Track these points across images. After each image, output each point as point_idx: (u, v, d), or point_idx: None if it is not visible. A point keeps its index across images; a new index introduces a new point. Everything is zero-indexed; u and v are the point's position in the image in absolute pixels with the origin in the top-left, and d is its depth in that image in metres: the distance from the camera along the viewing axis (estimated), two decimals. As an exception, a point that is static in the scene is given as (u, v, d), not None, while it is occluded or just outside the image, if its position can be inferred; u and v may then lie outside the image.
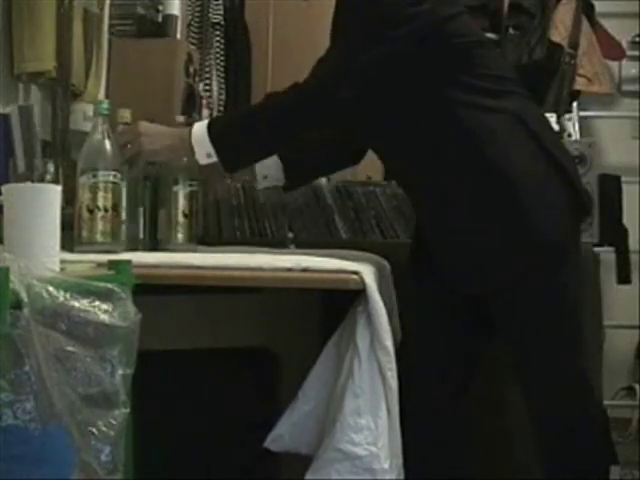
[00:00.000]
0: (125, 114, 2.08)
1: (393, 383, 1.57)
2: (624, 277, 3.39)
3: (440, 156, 1.81)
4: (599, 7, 3.91)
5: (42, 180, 2.20)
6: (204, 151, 1.83)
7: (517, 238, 1.78)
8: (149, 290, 1.47)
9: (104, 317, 1.29)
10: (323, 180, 2.80)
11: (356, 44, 1.78)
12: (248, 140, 1.85)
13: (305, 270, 1.62)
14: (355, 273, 1.59)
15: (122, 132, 1.96)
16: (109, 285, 1.33)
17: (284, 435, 1.67)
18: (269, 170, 2.08)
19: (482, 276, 1.82)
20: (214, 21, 3.95)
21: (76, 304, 1.25)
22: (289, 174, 2.10)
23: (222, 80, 3.94)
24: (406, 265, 2.02)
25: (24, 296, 1.16)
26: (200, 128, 1.85)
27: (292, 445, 1.68)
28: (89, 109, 2.59)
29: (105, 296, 1.31)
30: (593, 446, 1.90)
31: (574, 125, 3.83)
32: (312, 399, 1.66)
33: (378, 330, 1.56)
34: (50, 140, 2.59)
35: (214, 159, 1.84)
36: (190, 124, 1.95)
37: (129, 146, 1.93)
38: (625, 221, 3.40)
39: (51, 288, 1.21)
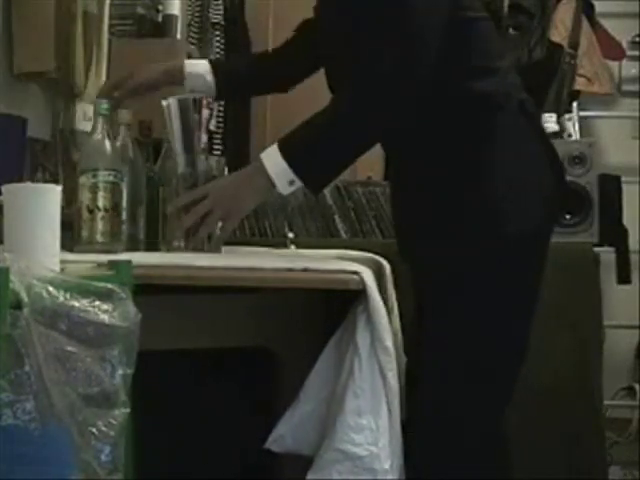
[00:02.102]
0: (125, 114, 2.08)
1: (394, 383, 1.57)
2: (624, 277, 3.39)
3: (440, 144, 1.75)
4: (599, 7, 3.92)
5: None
6: (286, 180, 1.69)
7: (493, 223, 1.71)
8: (149, 290, 1.47)
9: (104, 317, 1.29)
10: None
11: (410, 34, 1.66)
12: (330, 157, 1.73)
13: (305, 270, 1.62)
14: (355, 273, 1.58)
15: (185, 206, 1.81)
16: (109, 285, 1.33)
17: (285, 436, 1.67)
18: (197, 86, 2.10)
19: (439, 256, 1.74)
20: (214, 21, 3.95)
21: (76, 304, 1.25)
22: (220, 84, 2.10)
23: (222, 80, 3.92)
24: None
25: (24, 296, 1.16)
26: (272, 158, 1.70)
27: (293, 446, 1.68)
28: (89, 109, 2.59)
29: (105, 296, 1.31)
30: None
31: (574, 125, 3.84)
32: (313, 399, 1.65)
33: (378, 330, 1.56)
34: (50, 140, 2.59)
35: (298, 186, 1.71)
36: None
37: (206, 220, 1.76)
38: (625, 221, 3.41)
39: (51, 288, 1.21)
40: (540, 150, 1.77)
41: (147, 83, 2.13)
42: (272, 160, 1.70)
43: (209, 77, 2.10)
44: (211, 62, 2.14)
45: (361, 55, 1.70)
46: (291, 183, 1.70)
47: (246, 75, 2.19)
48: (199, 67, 2.12)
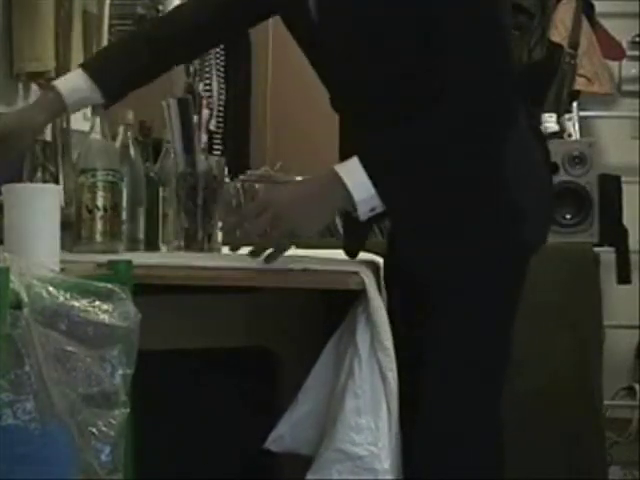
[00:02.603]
0: (126, 115, 2.08)
1: (393, 383, 1.57)
2: (624, 277, 3.39)
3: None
4: (599, 7, 3.92)
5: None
6: (368, 208, 1.55)
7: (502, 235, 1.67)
8: (149, 290, 1.47)
9: (104, 317, 1.29)
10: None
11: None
12: (414, 187, 1.61)
13: (305, 270, 1.62)
14: (355, 273, 1.58)
15: (248, 216, 1.64)
16: (109, 285, 1.33)
17: (285, 435, 1.67)
18: (81, 104, 1.89)
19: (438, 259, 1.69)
20: (214, 21, 3.95)
21: (76, 304, 1.25)
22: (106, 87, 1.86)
23: (222, 80, 3.94)
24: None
25: (24, 296, 1.16)
26: (360, 184, 1.53)
27: (293, 445, 1.68)
28: (88, 109, 2.59)
29: (105, 296, 1.31)
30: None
31: (574, 125, 3.84)
32: (312, 399, 1.65)
33: (378, 330, 1.56)
34: (50, 140, 2.59)
35: (379, 210, 1.57)
36: None
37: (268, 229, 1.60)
38: (625, 221, 3.41)
39: (51, 288, 1.21)
40: (540, 149, 1.77)
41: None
42: (358, 184, 1.53)
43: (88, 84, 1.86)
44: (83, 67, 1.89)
45: (439, 73, 1.56)
46: (372, 210, 1.56)
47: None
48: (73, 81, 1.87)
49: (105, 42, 2.99)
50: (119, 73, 1.91)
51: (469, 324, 1.68)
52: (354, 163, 1.56)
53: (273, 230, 1.58)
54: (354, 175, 1.54)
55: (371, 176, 1.53)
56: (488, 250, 1.67)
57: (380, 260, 2.03)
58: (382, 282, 1.93)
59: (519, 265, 1.72)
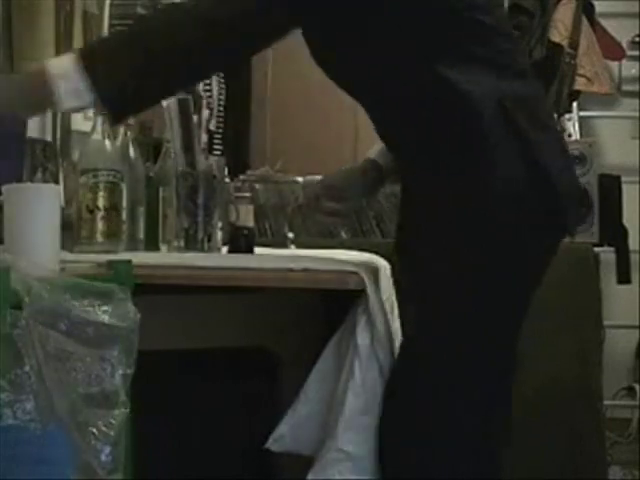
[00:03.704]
0: (125, 114, 2.08)
1: (393, 383, 1.57)
2: (624, 277, 3.39)
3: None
4: (599, 7, 3.91)
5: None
6: (70, 89, 1.43)
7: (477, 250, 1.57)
8: (149, 290, 1.47)
9: (104, 317, 1.29)
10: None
11: None
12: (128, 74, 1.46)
13: (305, 270, 1.62)
14: (355, 273, 1.58)
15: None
16: (109, 285, 1.33)
17: (285, 436, 1.67)
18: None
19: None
20: (214, 21, 3.95)
21: (76, 304, 1.25)
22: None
23: (222, 80, 3.94)
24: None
25: (24, 296, 1.16)
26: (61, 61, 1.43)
27: (294, 446, 1.68)
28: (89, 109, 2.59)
29: (105, 296, 1.31)
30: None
31: (574, 125, 3.84)
32: (313, 400, 1.66)
33: (378, 330, 1.56)
34: (50, 140, 2.59)
35: (84, 102, 1.45)
36: None
37: None
38: (625, 221, 3.40)
39: (51, 288, 1.21)
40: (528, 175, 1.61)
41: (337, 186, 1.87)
42: (59, 63, 1.44)
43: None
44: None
45: None
46: (76, 94, 1.43)
47: None
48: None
49: (105, 42, 2.99)
50: None
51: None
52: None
53: None
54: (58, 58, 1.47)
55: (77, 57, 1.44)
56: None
57: (381, 260, 2.03)
58: (388, 282, 1.94)
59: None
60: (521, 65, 1.66)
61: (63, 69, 1.42)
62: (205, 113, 3.53)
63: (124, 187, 1.94)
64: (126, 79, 1.45)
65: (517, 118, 1.55)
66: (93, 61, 1.42)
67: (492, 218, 1.56)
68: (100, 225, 1.89)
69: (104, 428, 1.26)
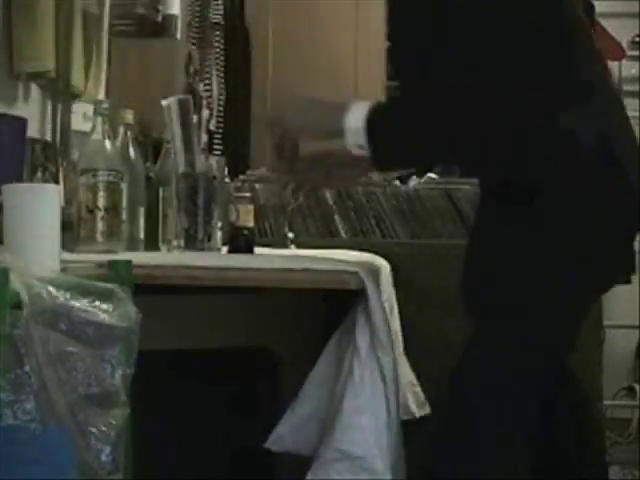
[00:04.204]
0: (126, 115, 2.08)
1: (393, 383, 1.57)
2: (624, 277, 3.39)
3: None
4: (599, 7, 3.90)
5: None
6: (355, 142, 1.58)
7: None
8: (149, 290, 1.47)
9: (104, 317, 1.29)
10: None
11: None
12: (407, 146, 1.61)
13: (305, 270, 1.62)
14: (355, 273, 1.59)
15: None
16: (109, 285, 1.33)
17: (285, 436, 1.67)
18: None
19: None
20: (214, 21, 3.96)
21: (76, 304, 1.25)
22: None
23: (222, 80, 3.94)
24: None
25: (24, 296, 1.16)
26: (357, 116, 1.58)
27: (293, 446, 1.68)
28: (89, 109, 2.59)
29: (105, 296, 1.31)
30: None
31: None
32: (313, 399, 1.66)
33: (378, 330, 1.56)
34: (50, 140, 2.59)
35: (365, 152, 1.60)
36: None
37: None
38: (625, 221, 3.40)
39: (51, 288, 1.21)
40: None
41: None
42: (355, 117, 1.58)
43: None
44: None
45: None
46: (360, 147, 1.58)
47: None
48: None
49: (105, 42, 2.99)
50: None
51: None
52: (365, 106, 1.59)
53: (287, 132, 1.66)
54: (357, 106, 1.60)
55: (370, 113, 1.57)
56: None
57: (381, 260, 2.03)
58: (388, 282, 1.94)
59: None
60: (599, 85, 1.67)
61: (357, 118, 1.58)
62: (205, 113, 3.53)
63: (124, 187, 1.94)
64: (404, 148, 1.61)
65: (614, 147, 1.59)
66: (378, 122, 1.58)
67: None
68: (100, 225, 1.89)
69: (104, 428, 1.26)
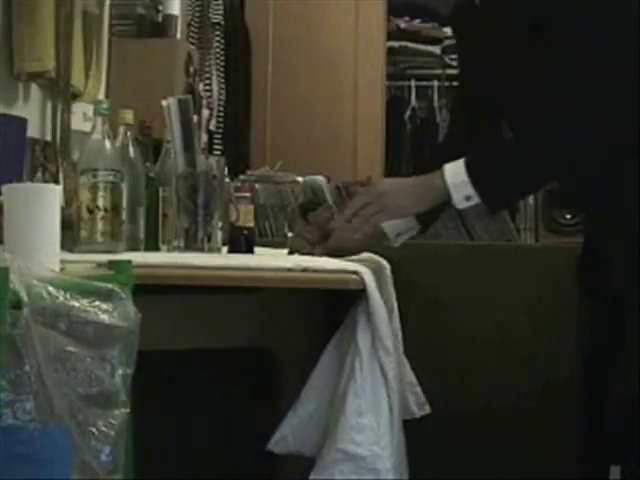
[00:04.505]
0: (126, 115, 2.08)
1: (395, 383, 1.57)
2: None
3: None
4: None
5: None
6: (463, 195, 1.70)
7: None
8: (149, 290, 1.47)
9: (104, 317, 1.29)
10: (323, 180, 2.80)
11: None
12: (514, 181, 1.72)
13: (305, 270, 1.62)
14: (355, 273, 1.58)
15: (359, 194, 1.83)
16: (109, 285, 1.33)
17: (287, 437, 1.67)
18: (399, 228, 1.93)
19: None
20: (214, 21, 3.96)
21: (76, 304, 1.25)
22: (422, 218, 1.96)
23: (222, 80, 3.94)
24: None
25: (24, 296, 1.16)
26: (455, 169, 1.70)
27: (295, 447, 1.67)
28: (89, 109, 2.59)
29: (105, 296, 1.30)
30: None
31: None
32: (314, 400, 1.65)
33: (379, 330, 1.56)
34: (50, 140, 2.59)
35: (474, 202, 1.71)
36: None
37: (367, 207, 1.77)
38: (625, 221, 3.40)
39: (51, 288, 1.21)
40: None
41: None
42: (454, 171, 1.70)
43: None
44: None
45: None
46: (468, 199, 1.70)
47: None
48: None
49: (105, 42, 2.99)
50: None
51: None
52: (459, 161, 1.71)
53: (369, 207, 1.75)
54: (453, 166, 1.71)
55: (467, 164, 1.69)
56: None
57: (381, 260, 2.03)
58: (388, 282, 1.94)
59: None
60: None
61: (458, 180, 1.69)
62: (205, 113, 3.53)
63: (124, 187, 1.94)
64: (509, 191, 1.74)
65: None
66: (482, 175, 1.70)
67: None
68: (100, 225, 1.89)
69: (104, 428, 1.26)
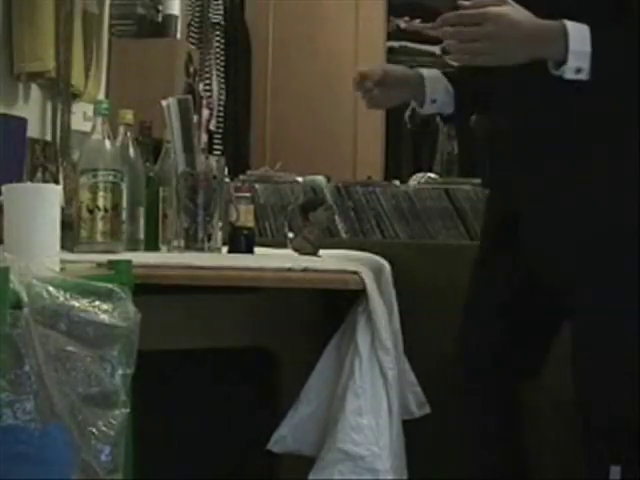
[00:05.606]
0: (126, 115, 2.08)
1: (394, 383, 1.57)
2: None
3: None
4: (599, 7, 3.91)
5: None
6: (575, 65, 1.59)
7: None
8: (149, 290, 1.47)
9: (104, 317, 1.29)
10: (323, 180, 2.80)
11: None
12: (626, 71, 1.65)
13: (305, 270, 1.62)
14: (355, 273, 1.58)
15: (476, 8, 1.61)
16: (109, 285, 1.33)
17: (287, 436, 1.67)
18: (439, 94, 1.96)
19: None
20: (214, 21, 3.96)
21: (76, 304, 1.25)
22: (459, 101, 1.98)
23: (222, 80, 3.94)
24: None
25: (24, 296, 1.16)
26: (581, 37, 1.59)
27: (295, 446, 1.67)
28: (89, 109, 2.59)
29: (105, 296, 1.31)
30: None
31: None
32: (314, 400, 1.65)
33: (378, 330, 1.56)
34: (50, 140, 2.59)
35: (581, 76, 1.60)
36: None
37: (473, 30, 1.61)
38: (625, 221, 3.40)
39: (51, 288, 1.21)
40: None
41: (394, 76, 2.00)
42: (578, 39, 1.59)
43: (449, 87, 2.00)
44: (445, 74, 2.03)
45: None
46: (578, 71, 1.60)
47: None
48: (435, 74, 2.03)
49: (105, 42, 2.99)
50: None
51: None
52: (582, 27, 1.60)
53: (474, 44, 1.61)
54: (576, 32, 1.59)
55: (594, 38, 1.59)
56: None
57: (381, 260, 2.03)
58: (388, 282, 1.94)
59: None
60: None
61: (580, 48, 1.59)
62: (205, 113, 3.54)
63: (124, 187, 1.94)
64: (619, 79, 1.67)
65: None
66: (607, 53, 1.60)
67: None
68: (100, 225, 1.89)
69: (104, 428, 1.26)
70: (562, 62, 1.60)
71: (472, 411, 2.01)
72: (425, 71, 2.02)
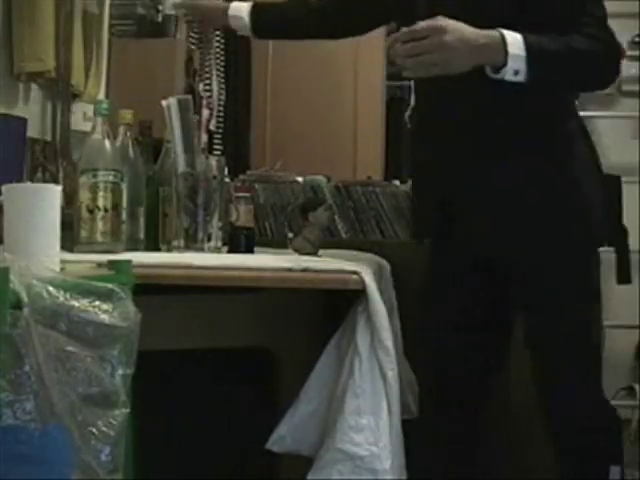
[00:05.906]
0: (126, 115, 2.08)
1: (394, 383, 1.57)
2: (624, 277, 3.38)
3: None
4: (599, 7, 3.91)
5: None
6: (514, 68, 1.73)
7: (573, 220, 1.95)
8: (149, 290, 1.47)
9: (104, 317, 1.29)
10: (323, 180, 2.80)
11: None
12: (561, 71, 1.82)
13: (305, 270, 1.62)
14: (355, 273, 1.59)
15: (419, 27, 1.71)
16: (109, 285, 1.33)
17: (286, 436, 1.67)
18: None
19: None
20: (214, 21, 3.95)
21: (76, 304, 1.25)
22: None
23: (222, 80, 3.94)
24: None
25: (24, 296, 1.16)
26: (515, 42, 1.73)
27: (294, 446, 1.68)
28: (89, 109, 2.59)
29: (105, 296, 1.31)
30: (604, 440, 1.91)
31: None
32: (313, 400, 1.65)
33: (378, 330, 1.56)
34: (50, 140, 2.59)
35: (518, 78, 1.74)
36: None
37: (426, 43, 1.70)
38: (625, 221, 3.40)
39: (51, 288, 1.21)
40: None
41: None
42: (514, 44, 1.72)
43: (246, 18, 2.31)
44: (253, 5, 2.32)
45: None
46: (516, 73, 1.73)
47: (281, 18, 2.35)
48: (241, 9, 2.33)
49: (105, 42, 2.99)
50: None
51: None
52: (515, 35, 1.74)
53: (430, 55, 1.69)
54: (512, 38, 1.73)
55: (526, 42, 1.73)
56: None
57: (381, 260, 2.03)
58: (388, 282, 1.94)
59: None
60: None
61: (517, 52, 1.73)
62: (205, 113, 3.53)
63: (124, 187, 1.94)
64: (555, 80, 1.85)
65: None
66: (538, 56, 1.75)
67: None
68: (100, 225, 1.89)
69: (104, 428, 1.26)
70: (502, 66, 1.72)
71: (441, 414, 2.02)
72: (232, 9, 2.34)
